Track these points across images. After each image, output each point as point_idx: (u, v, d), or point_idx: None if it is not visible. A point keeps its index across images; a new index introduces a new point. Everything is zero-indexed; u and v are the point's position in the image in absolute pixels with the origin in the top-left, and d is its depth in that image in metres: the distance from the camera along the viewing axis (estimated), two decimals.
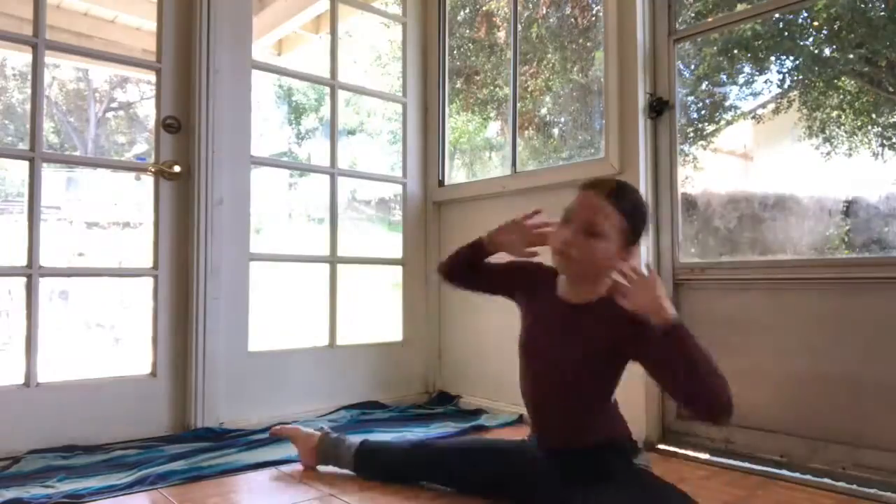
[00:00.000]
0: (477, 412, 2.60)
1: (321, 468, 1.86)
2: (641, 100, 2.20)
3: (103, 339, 6.61)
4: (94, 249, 8.87)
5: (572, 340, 1.42)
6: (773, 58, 2.24)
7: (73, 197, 10.63)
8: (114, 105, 13.44)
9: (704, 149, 2.44)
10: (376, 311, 4.68)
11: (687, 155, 2.34)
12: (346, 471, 1.82)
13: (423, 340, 2.95)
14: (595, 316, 1.39)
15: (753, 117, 2.37)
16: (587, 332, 1.40)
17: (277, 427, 1.98)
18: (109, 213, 10.18)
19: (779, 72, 2.28)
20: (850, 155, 2.09)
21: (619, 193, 1.36)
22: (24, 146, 2.11)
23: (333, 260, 2.72)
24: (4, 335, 6.08)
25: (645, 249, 2.17)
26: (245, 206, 2.44)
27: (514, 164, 2.71)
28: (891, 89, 2.06)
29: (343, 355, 2.70)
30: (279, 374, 2.50)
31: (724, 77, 2.39)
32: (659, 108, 2.20)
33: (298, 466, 1.90)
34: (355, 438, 1.86)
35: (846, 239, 1.99)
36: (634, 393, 2.16)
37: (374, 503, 1.63)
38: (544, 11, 3.15)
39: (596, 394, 1.44)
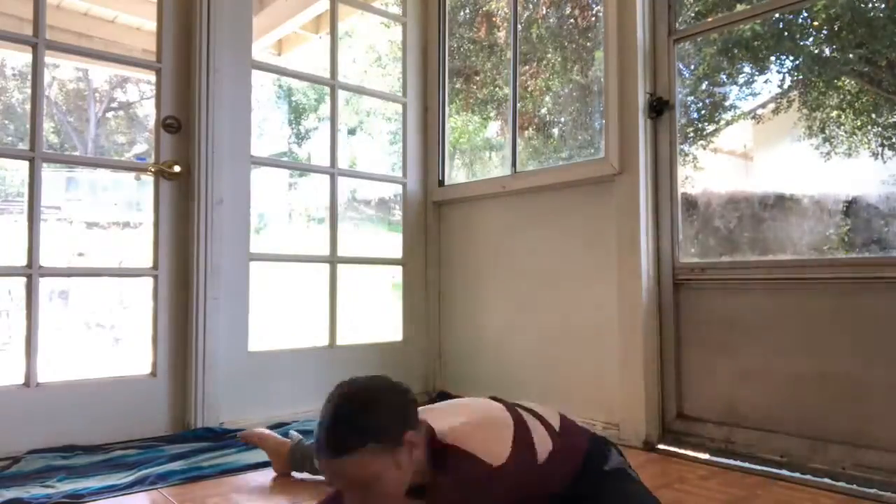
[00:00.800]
0: None
1: (296, 475, 1.80)
2: (641, 100, 2.20)
3: (103, 339, 6.62)
4: (94, 249, 8.87)
5: None
6: (773, 58, 2.24)
7: (73, 197, 10.62)
8: (114, 105, 13.44)
9: (704, 149, 2.44)
10: (376, 311, 4.68)
11: (687, 155, 2.34)
12: (321, 478, 1.68)
13: (423, 340, 2.95)
14: None
15: (753, 117, 2.37)
16: None
17: (246, 432, 1.87)
18: (109, 213, 10.18)
19: (779, 72, 2.28)
20: (850, 155, 2.09)
21: (337, 435, 1.07)
22: (24, 146, 2.11)
23: (333, 260, 2.72)
24: (4, 335, 6.09)
25: (645, 252, 2.17)
26: (245, 206, 2.44)
27: (514, 164, 2.71)
28: (891, 89, 2.06)
29: (343, 355, 2.70)
30: (279, 374, 2.50)
31: (724, 77, 2.39)
32: (659, 107, 2.20)
33: None
34: None
35: (846, 239, 1.99)
36: (633, 393, 2.16)
37: None
38: (544, 11, 3.15)
39: None
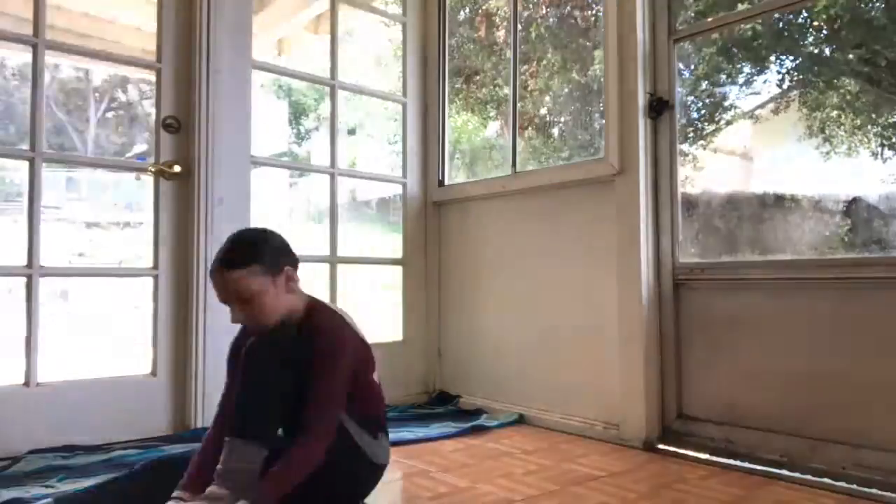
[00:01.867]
0: (477, 412, 2.60)
1: None
2: (641, 100, 2.20)
3: (103, 338, 6.61)
4: (94, 249, 8.86)
5: None
6: (773, 58, 2.25)
7: (73, 197, 10.62)
8: (114, 105, 13.43)
9: (704, 149, 2.44)
10: (376, 311, 4.68)
11: (687, 155, 2.34)
12: None
13: (423, 340, 2.95)
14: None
15: (753, 117, 2.37)
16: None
17: None
18: (109, 213, 10.17)
19: (778, 72, 2.28)
20: (850, 155, 2.10)
21: (231, 254, 1.38)
22: (24, 146, 2.11)
23: (333, 260, 2.72)
24: (4, 335, 6.08)
25: (645, 252, 2.17)
26: (245, 206, 2.44)
27: (514, 164, 2.71)
28: (891, 89, 2.06)
29: None
30: None
31: (724, 77, 2.39)
32: (659, 107, 2.20)
33: None
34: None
35: (846, 239, 1.99)
36: (633, 392, 2.16)
37: None
38: (544, 11, 3.15)
39: None
